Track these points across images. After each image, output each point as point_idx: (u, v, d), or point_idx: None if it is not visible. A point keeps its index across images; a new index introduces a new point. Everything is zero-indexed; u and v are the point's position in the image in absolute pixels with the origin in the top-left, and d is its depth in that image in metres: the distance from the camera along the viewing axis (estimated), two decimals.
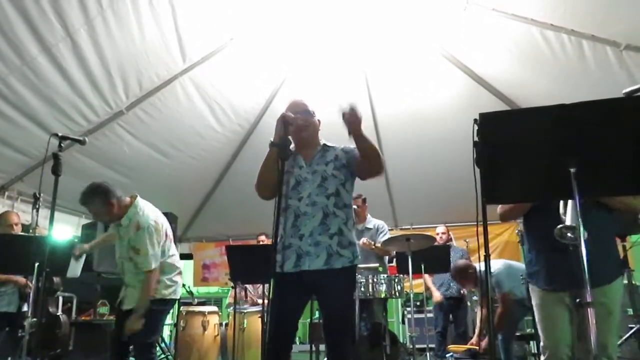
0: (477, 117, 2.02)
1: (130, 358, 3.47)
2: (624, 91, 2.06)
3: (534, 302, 2.54)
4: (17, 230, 4.54)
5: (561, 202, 2.26)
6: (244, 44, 5.15)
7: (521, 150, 1.94)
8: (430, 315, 6.44)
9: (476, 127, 2.04)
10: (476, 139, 2.04)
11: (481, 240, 2.07)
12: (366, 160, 2.50)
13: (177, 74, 5.12)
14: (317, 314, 4.50)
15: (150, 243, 3.22)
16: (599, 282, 2.18)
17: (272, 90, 6.02)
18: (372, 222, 5.04)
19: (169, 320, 8.03)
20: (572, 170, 1.83)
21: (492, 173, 1.98)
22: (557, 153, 1.86)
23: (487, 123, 1.92)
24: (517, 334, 4.67)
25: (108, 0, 3.98)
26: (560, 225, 2.01)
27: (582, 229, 1.87)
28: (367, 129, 2.38)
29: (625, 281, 4.58)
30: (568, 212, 2.06)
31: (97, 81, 4.66)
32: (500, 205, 2.62)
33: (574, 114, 1.83)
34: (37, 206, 3.49)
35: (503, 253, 7.10)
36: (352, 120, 2.31)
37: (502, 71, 5.36)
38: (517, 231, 4.12)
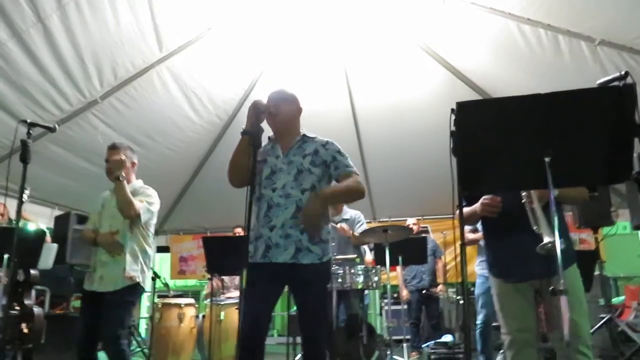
0: (453, 108, 2.04)
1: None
2: (597, 82, 2.09)
3: (493, 292, 2.57)
4: (3, 221, 4.42)
5: (529, 212, 2.27)
6: (222, 34, 5.08)
7: (496, 140, 1.95)
8: (406, 307, 6.51)
9: (453, 117, 2.05)
10: (453, 128, 2.05)
11: (457, 231, 2.09)
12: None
13: (154, 63, 5.02)
14: (295, 307, 4.49)
15: (153, 201, 3.36)
16: (556, 271, 2.22)
17: (251, 81, 5.96)
18: (348, 213, 5.03)
19: (144, 313, 7.96)
20: (547, 159, 1.85)
21: (468, 162, 1.98)
22: (532, 142, 1.88)
23: (464, 112, 1.92)
24: (494, 324, 4.73)
25: None
26: (544, 244, 2.01)
27: (556, 221, 1.89)
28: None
29: (597, 272, 4.67)
30: (543, 227, 2.06)
31: (70, 69, 4.54)
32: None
33: (549, 103, 1.85)
34: (24, 198, 3.36)
35: None
36: (308, 222, 2.40)
37: (480, 64, 5.41)
38: None
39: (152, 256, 3.49)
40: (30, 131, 2.55)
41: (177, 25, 4.76)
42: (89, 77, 4.74)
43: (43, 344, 4.80)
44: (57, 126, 2.79)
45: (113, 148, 3.36)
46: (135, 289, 3.24)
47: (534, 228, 2.17)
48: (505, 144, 1.95)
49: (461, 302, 5.74)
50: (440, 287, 6.15)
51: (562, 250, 1.85)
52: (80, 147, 5.54)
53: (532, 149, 1.87)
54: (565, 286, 1.80)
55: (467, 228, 4.91)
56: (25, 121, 2.57)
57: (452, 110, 2.03)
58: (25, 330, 4.33)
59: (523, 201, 2.29)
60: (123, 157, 3.27)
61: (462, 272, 2.23)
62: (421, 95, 5.95)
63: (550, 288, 1.93)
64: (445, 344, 4.68)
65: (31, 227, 5.12)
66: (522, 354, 2.37)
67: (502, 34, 4.73)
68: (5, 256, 3.64)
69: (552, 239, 1.98)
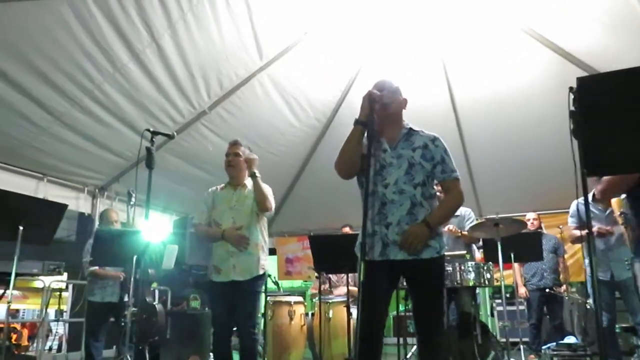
0: (572, 87, 1.90)
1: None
2: None
3: None
4: (117, 226, 4.88)
5: None
6: (318, 37, 5.17)
7: (625, 115, 1.78)
8: (522, 307, 6.14)
9: (572, 96, 1.91)
10: (572, 108, 1.91)
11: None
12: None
13: (255, 72, 5.24)
14: (402, 307, 4.43)
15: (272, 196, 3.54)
16: None
17: (348, 82, 6.00)
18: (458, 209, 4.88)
19: None
20: None
21: (594, 142, 1.83)
22: None
23: (586, 88, 1.78)
24: (625, 325, 4.32)
25: (188, 3, 4.15)
26: None
27: None
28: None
29: None
30: None
31: (181, 83, 4.89)
32: (600, 182, 2.47)
33: None
34: (131, 202, 3.70)
35: None
36: (409, 248, 2.38)
37: (593, 43, 4.96)
38: (619, 213, 3.79)
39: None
40: (153, 139, 2.78)
41: (275, 32, 4.93)
42: (198, 89, 5.07)
43: (168, 338, 5.19)
44: (175, 134, 3.01)
45: (235, 143, 3.63)
46: (262, 279, 3.44)
47: None
48: (636, 119, 1.77)
49: (588, 302, 5.30)
50: (564, 287, 5.74)
51: None
52: (192, 156, 5.94)
53: None
54: None
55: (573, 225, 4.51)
56: (149, 130, 2.81)
57: (571, 88, 1.90)
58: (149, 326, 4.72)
59: None
60: (250, 155, 3.50)
61: (590, 265, 2.05)
62: (527, 82, 5.60)
63: None
64: (568, 345, 4.33)
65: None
66: None
67: (619, 7, 4.31)
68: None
69: None
